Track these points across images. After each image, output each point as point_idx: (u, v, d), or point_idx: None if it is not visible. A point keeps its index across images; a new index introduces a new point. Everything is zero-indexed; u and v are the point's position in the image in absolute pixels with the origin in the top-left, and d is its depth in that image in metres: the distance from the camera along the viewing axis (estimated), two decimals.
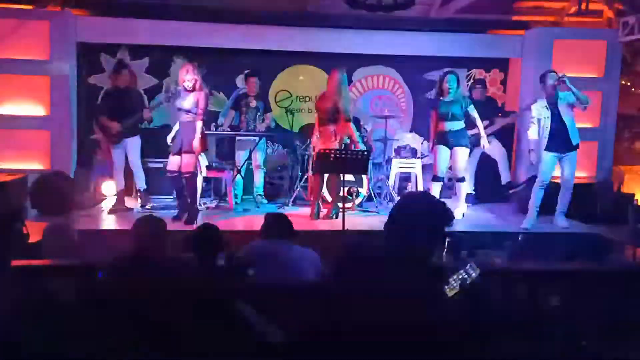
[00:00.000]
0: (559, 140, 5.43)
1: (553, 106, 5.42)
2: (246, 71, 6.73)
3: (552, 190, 5.98)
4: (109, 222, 5.54)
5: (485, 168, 6.80)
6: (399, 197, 5.79)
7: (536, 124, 5.50)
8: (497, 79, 7.51)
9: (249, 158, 6.44)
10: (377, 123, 7.09)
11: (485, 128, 6.57)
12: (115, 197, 6.11)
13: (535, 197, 5.57)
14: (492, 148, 6.61)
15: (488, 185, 6.82)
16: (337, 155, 5.07)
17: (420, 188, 6.47)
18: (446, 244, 3.91)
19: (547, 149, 5.46)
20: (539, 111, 5.49)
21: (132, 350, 2.14)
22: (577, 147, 5.49)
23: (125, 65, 6.27)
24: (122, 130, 5.88)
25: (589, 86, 6.77)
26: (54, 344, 2.05)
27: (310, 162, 6.14)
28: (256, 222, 5.73)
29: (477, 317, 1.93)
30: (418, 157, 6.84)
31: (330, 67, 7.29)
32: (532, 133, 5.55)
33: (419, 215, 1.76)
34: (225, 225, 5.32)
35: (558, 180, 6.39)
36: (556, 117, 5.41)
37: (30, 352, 2.04)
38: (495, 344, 2.22)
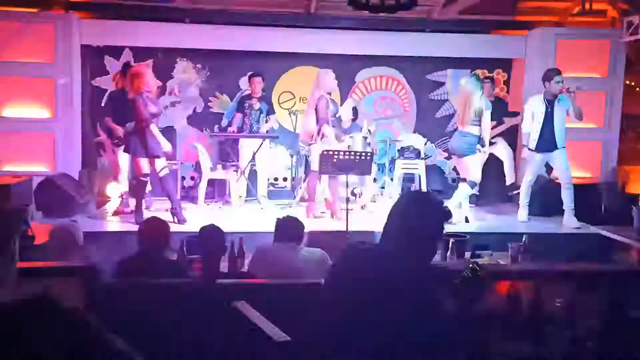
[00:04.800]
0: (546, 140, 5.53)
1: (549, 104, 5.50)
2: (249, 73, 6.74)
3: (553, 190, 5.99)
4: (113, 224, 5.55)
5: (490, 168, 6.79)
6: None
7: (529, 117, 5.59)
8: (500, 79, 7.49)
9: (253, 159, 6.45)
10: (381, 124, 7.09)
11: (493, 128, 6.56)
12: (120, 199, 6.13)
13: (524, 194, 5.77)
14: (499, 148, 6.60)
15: (492, 186, 6.80)
16: (341, 156, 5.09)
17: (424, 189, 6.46)
18: (450, 245, 3.91)
19: (535, 149, 5.57)
20: (535, 105, 5.57)
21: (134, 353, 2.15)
22: (563, 147, 5.60)
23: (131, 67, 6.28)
24: (126, 132, 5.90)
25: (592, 86, 6.77)
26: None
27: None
28: (259, 223, 5.77)
29: (478, 317, 1.93)
30: (422, 158, 6.83)
31: (333, 68, 7.30)
32: (526, 126, 5.65)
33: (417, 214, 1.76)
34: (229, 227, 5.34)
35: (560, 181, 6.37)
36: (549, 116, 5.50)
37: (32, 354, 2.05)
38: (499, 344, 2.22)
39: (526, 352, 2.18)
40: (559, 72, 5.51)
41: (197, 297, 2.52)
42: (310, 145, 5.79)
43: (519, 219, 5.81)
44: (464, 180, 5.67)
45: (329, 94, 5.75)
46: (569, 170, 5.64)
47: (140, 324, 2.34)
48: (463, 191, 5.57)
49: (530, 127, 5.58)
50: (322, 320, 1.76)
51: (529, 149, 5.63)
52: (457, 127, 5.65)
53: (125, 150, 5.54)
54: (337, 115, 6.09)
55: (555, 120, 5.49)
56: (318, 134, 5.62)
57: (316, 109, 5.58)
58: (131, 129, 5.34)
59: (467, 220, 5.64)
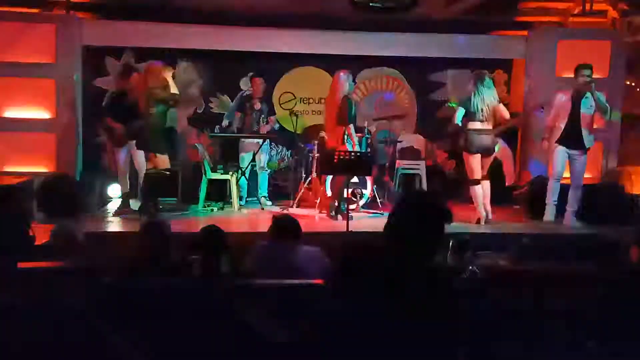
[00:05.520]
0: (571, 136, 5.44)
1: (576, 100, 5.43)
2: (250, 73, 6.75)
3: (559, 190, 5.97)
4: (114, 225, 5.56)
5: (490, 169, 6.77)
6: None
7: (555, 111, 5.52)
8: (500, 80, 7.49)
9: (253, 160, 6.45)
10: (381, 124, 7.09)
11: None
12: (121, 199, 6.13)
13: (552, 191, 5.59)
14: (499, 149, 6.58)
15: (492, 187, 6.78)
16: (341, 157, 5.10)
17: (425, 189, 6.46)
18: (450, 245, 3.91)
19: (559, 142, 5.48)
20: (561, 100, 5.50)
21: (135, 352, 2.15)
22: (587, 148, 5.52)
23: (134, 68, 6.30)
24: (126, 132, 5.91)
25: None
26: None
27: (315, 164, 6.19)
28: (260, 223, 5.77)
29: (480, 318, 1.94)
30: (422, 159, 6.82)
31: (334, 69, 7.32)
32: (549, 119, 5.58)
33: (418, 215, 1.76)
34: (229, 227, 5.35)
35: (566, 182, 6.37)
36: (575, 112, 5.42)
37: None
38: (500, 345, 2.22)
39: (529, 353, 2.19)
40: (587, 67, 5.38)
41: (197, 297, 2.52)
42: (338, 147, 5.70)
43: (545, 219, 5.60)
44: (478, 182, 5.62)
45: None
46: (583, 173, 5.57)
47: (141, 324, 2.35)
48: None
49: (554, 120, 5.50)
50: (322, 321, 1.76)
51: (555, 141, 5.49)
52: (473, 127, 5.45)
53: (139, 147, 5.61)
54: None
55: (581, 117, 5.40)
56: (343, 135, 5.60)
57: (341, 110, 5.57)
58: (139, 125, 5.43)
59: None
